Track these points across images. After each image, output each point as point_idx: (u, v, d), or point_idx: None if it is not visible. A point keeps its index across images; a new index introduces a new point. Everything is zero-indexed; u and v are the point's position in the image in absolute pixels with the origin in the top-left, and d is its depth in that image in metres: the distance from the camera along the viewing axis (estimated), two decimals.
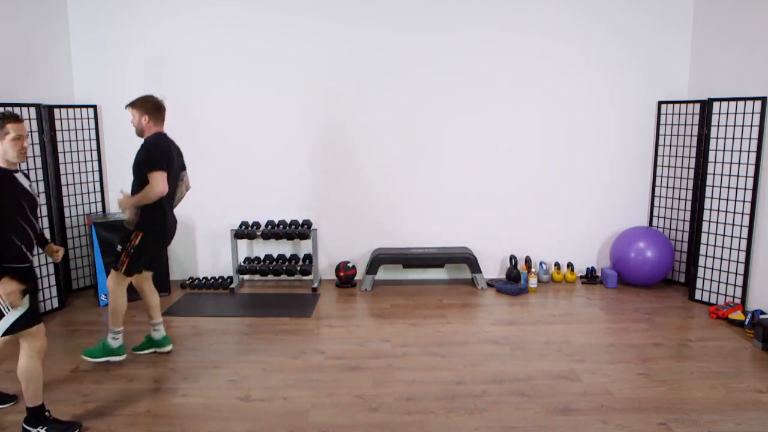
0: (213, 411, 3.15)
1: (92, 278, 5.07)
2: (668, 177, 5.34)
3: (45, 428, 2.89)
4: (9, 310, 2.75)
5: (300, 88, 5.30)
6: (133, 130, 3.74)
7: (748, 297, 4.55)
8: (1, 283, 2.69)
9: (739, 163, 4.52)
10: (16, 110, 4.38)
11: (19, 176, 2.93)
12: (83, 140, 5.18)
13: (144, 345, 3.94)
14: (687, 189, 5.20)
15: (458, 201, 5.50)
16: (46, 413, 2.94)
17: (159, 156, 3.57)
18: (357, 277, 5.52)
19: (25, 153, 2.88)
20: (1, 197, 2.76)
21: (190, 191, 3.98)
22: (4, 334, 2.79)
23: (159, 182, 3.50)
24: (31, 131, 4.50)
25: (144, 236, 3.61)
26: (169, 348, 3.94)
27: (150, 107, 3.69)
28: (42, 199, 4.59)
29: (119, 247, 3.65)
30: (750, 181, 4.46)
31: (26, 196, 2.89)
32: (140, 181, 3.59)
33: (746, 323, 4.21)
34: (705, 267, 4.80)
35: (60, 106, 4.98)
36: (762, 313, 4.17)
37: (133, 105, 3.67)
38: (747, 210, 4.49)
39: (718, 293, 4.73)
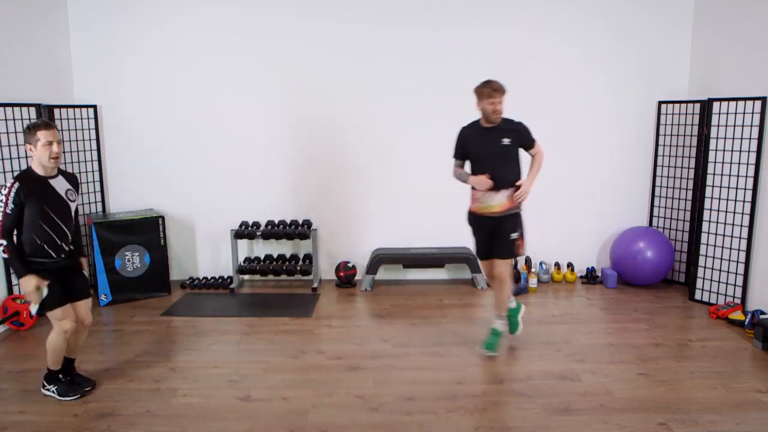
0: (213, 411, 3.16)
1: (92, 278, 5.06)
2: (668, 177, 5.34)
3: (56, 387, 3.29)
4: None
5: (301, 90, 5.29)
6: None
7: (748, 297, 4.55)
8: (23, 281, 3.05)
9: (739, 163, 4.51)
10: (16, 110, 4.39)
11: (56, 181, 3.14)
12: (83, 140, 5.17)
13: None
14: (687, 189, 5.20)
15: (458, 200, 5.48)
16: (60, 376, 3.34)
17: None
18: (357, 277, 5.51)
19: (56, 158, 3.08)
20: (30, 201, 3.01)
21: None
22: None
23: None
24: None
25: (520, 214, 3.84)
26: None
27: None
28: None
29: (514, 235, 3.77)
30: (750, 181, 4.46)
31: (54, 202, 3.11)
32: (513, 161, 3.79)
33: (746, 323, 4.20)
34: (705, 267, 4.80)
35: (60, 106, 4.97)
36: (762, 313, 4.17)
37: (504, 91, 3.74)
38: (747, 210, 4.49)
39: (718, 293, 4.73)
